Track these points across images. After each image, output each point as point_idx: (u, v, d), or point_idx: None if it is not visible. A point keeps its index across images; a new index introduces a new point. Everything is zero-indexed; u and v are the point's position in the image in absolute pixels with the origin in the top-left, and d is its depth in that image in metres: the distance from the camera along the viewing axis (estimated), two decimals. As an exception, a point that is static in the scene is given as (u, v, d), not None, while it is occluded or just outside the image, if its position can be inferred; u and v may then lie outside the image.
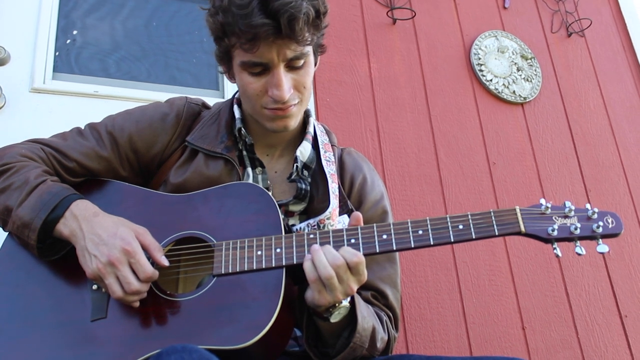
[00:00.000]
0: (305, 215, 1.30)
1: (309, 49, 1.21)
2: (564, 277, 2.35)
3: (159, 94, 2.07)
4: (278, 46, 1.14)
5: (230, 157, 1.28)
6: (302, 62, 1.20)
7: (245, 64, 1.18)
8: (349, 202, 1.31)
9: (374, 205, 1.36)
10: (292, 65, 1.19)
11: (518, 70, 2.68)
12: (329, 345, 1.17)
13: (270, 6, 1.09)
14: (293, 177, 1.30)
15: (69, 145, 1.28)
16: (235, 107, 1.36)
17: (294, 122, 1.26)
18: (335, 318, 1.10)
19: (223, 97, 2.22)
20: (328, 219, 1.24)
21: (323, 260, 1.05)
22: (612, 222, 1.10)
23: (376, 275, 1.30)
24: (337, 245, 1.10)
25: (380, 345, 1.21)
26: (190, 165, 1.29)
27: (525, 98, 2.64)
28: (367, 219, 1.32)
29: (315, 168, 1.34)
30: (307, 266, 1.06)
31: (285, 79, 1.18)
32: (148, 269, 1.07)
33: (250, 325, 1.02)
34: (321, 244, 1.10)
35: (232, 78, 1.29)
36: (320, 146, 1.36)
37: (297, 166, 1.30)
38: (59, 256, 1.16)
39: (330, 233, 1.12)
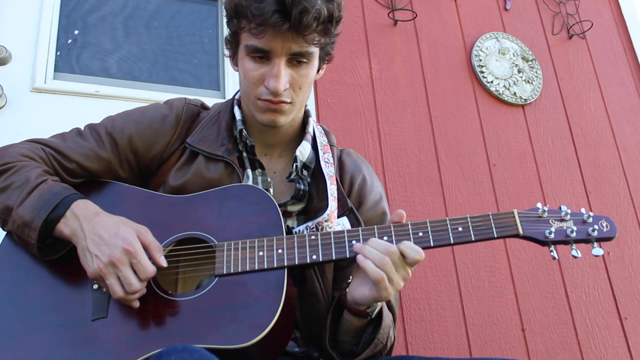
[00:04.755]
0: (303, 215, 1.30)
1: (315, 51, 1.22)
2: (563, 279, 2.35)
3: (160, 94, 2.07)
4: (284, 37, 1.16)
5: (231, 160, 1.28)
6: (304, 60, 1.21)
7: (248, 47, 1.19)
8: (348, 200, 1.31)
9: (373, 206, 1.36)
10: (293, 61, 1.20)
11: (519, 71, 2.69)
12: (351, 343, 1.20)
13: None
14: (292, 176, 1.30)
15: (68, 146, 1.28)
16: (236, 108, 1.36)
17: (284, 120, 1.26)
18: (374, 313, 1.16)
19: (224, 98, 2.22)
20: (326, 221, 1.24)
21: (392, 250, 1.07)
22: (607, 226, 1.12)
23: None
24: (339, 247, 1.11)
25: (389, 343, 1.25)
26: (191, 168, 1.28)
27: (526, 100, 2.64)
28: (367, 220, 1.33)
29: (314, 169, 1.34)
30: (369, 262, 1.07)
31: (284, 72, 1.19)
32: (149, 269, 1.06)
33: (252, 325, 1.02)
34: (322, 245, 1.11)
35: (235, 65, 1.31)
36: (319, 147, 1.36)
37: (296, 166, 1.30)
38: (59, 256, 1.16)
39: (332, 235, 1.13)
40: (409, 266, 1.08)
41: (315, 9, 1.13)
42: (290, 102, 1.23)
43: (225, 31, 1.30)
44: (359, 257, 1.08)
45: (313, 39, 1.18)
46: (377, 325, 1.18)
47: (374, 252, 1.07)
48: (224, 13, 1.25)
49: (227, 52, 1.32)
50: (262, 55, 1.19)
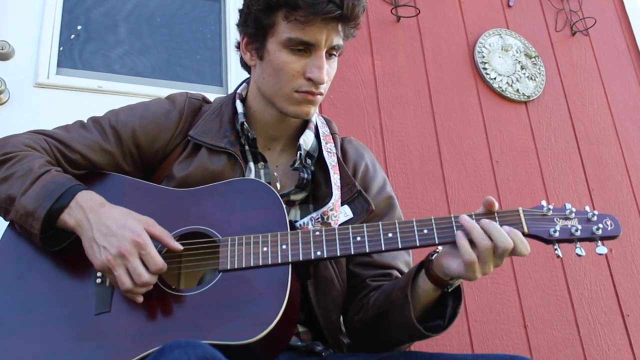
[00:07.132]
0: (306, 204, 1.31)
1: (343, 45, 1.27)
2: (566, 276, 2.35)
3: (163, 90, 2.06)
4: (329, 30, 1.20)
5: (234, 152, 1.28)
6: (336, 53, 1.27)
7: (291, 40, 1.20)
8: (356, 183, 1.31)
9: (379, 192, 1.38)
10: (330, 54, 1.25)
11: (522, 68, 2.68)
12: (422, 318, 1.18)
13: None
14: (296, 164, 1.30)
15: (72, 138, 1.28)
16: (238, 102, 1.36)
17: (314, 111, 1.30)
18: (453, 286, 1.16)
19: (227, 94, 2.21)
20: (331, 210, 1.24)
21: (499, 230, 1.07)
22: (611, 225, 1.11)
23: (401, 259, 1.34)
24: (344, 244, 1.10)
25: None
26: (194, 160, 1.28)
27: (528, 97, 2.64)
28: (374, 206, 1.33)
29: (317, 158, 1.35)
30: (475, 238, 1.06)
31: (326, 64, 1.23)
32: (159, 261, 1.06)
33: (256, 321, 1.02)
34: (327, 241, 1.11)
35: (256, 58, 1.29)
36: (322, 137, 1.37)
37: (300, 154, 1.31)
38: (61, 247, 1.15)
39: (337, 230, 1.12)
40: (507, 256, 1.08)
41: (362, 3, 1.20)
42: (322, 94, 1.26)
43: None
44: (458, 234, 1.07)
45: (351, 33, 1.25)
46: (457, 299, 1.18)
47: (495, 234, 1.06)
48: (253, 4, 1.23)
49: (242, 46, 1.32)
50: (304, 48, 1.21)
